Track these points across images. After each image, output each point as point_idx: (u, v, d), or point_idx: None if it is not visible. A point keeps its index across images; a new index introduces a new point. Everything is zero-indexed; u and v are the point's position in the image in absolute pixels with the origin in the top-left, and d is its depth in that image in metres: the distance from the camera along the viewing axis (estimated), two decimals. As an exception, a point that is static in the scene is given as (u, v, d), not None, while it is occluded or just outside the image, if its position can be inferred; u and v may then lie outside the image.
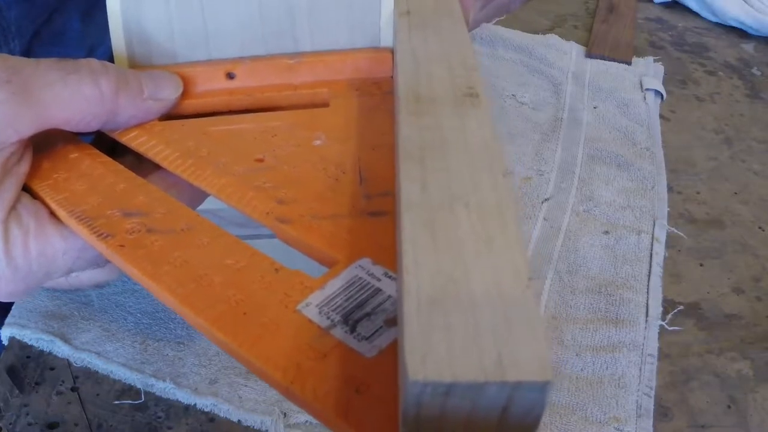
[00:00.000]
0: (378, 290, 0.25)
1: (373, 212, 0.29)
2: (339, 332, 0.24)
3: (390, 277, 0.26)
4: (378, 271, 0.26)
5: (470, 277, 0.21)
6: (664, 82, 0.71)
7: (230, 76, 0.38)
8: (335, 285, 0.26)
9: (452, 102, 0.30)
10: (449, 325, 0.19)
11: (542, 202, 0.57)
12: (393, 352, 0.23)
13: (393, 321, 0.24)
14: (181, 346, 0.44)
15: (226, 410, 0.41)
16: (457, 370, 0.18)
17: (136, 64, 0.37)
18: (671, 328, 0.49)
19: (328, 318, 0.25)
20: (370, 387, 0.22)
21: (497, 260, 0.22)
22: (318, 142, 0.34)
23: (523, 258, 0.22)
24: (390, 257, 0.27)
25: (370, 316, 0.24)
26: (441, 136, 0.27)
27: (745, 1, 0.82)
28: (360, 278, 0.26)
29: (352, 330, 0.24)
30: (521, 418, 0.19)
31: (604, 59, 0.74)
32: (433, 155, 0.26)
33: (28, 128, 0.31)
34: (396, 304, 0.25)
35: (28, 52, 0.51)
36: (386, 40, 0.39)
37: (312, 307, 0.25)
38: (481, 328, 0.19)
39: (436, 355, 0.19)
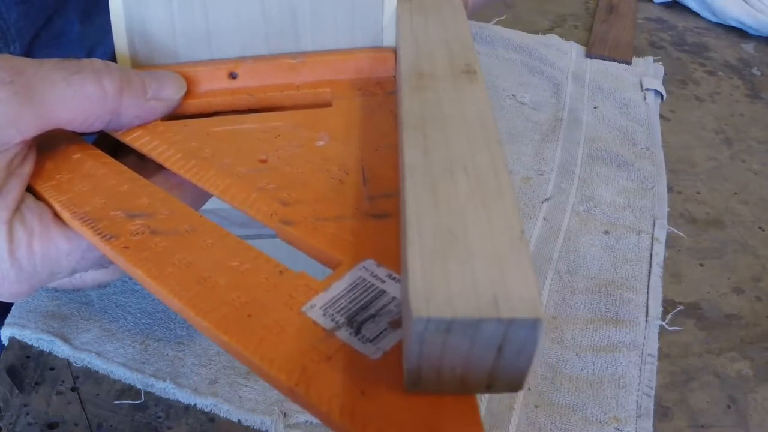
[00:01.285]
0: (382, 292, 0.25)
1: (376, 214, 0.29)
2: (344, 334, 0.24)
3: (394, 278, 0.26)
4: (382, 272, 0.26)
5: (468, 231, 0.23)
6: (664, 82, 0.71)
7: (232, 75, 0.38)
8: (340, 287, 0.26)
9: (451, 77, 0.32)
10: (449, 269, 0.21)
11: (542, 202, 0.57)
12: (398, 354, 0.23)
13: (397, 323, 0.24)
14: (181, 346, 0.44)
15: (226, 410, 0.41)
16: (457, 308, 0.20)
17: (138, 63, 0.37)
18: (671, 328, 0.49)
19: (333, 320, 0.25)
20: (375, 389, 0.22)
21: (493, 217, 0.23)
22: (321, 143, 0.34)
23: (516, 215, 0.23)
24: (394, 259, 0.27)
25: (374, 318, 0.24)
26: (440, 109, 0.29)
27: (745, 1, 0.82)
28: (364, 280, 0.26)
29: (357, 332, 0.24)
30: (515, 357, 0.21)
31: (604, 59, 0.74)
32: (434, 125, 0.28)
33: (32, 128, 0.30)
34: (400, 306, 0.25)
35: (28, 54, 0.51)
36: (389, 39, 0.39)
37: (316, 309, 0.25)
38: (478, 273, 0.21)
39: (437, 296, 0.20)
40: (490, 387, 0.22)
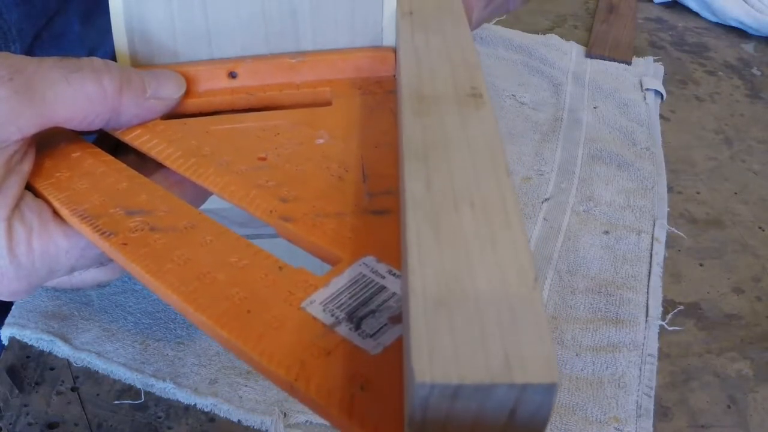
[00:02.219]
0: (382, 288, 0.25)
1: (376, 210, 0.29)
2: (343, 329, 0.24)
3: (394, 274, 0.26)
4: (382, 268, 0.26)
5: (475, 276, 0.21)
6: (664, 82, 0.71)
7: (232, 75, 0.38)
8: (339, 282, 0.26)
9: (455, 102, 0.29)
10: (455, 325, 0.19)
11: (542, 202, 0.57)
12: (397, 350, 0.23)
13: (397, 318, 0.24)
14: (181, 346, 0.44)
15: (226, 410, 0.41)
16: (465, 371, 0.18)
17: (138, 63, 0.37)
18: (671, 328, 0.49)
19: (333, 315, 0.25)
20: (375, 384, 0.22)
21: (502, 259, 0.21)
22: (320, 141, 0.34)
23: (528, 257, 0.21)
24: (394, 255, 0.27)
25: (374, 313, 0.24)
26: (444, 136, 0.27)
27: (745, 1, 0.82)
28: (364, 276, 0.26)
29: (357, 327, 0.24)
30: (528, 421, 0.19)
31: (604, 59, 0.74)
32: (437, 154, 0.26)
33: (31, 126, 0.30)
34: (400, 302, 0.25)
35: (28, 55, 0.51)
36: (388, 38, 0.39)
37: (316, 304, 0.25)
38: (488, 329, 0.19)
39: (442, 357, 0.19)
40: None
